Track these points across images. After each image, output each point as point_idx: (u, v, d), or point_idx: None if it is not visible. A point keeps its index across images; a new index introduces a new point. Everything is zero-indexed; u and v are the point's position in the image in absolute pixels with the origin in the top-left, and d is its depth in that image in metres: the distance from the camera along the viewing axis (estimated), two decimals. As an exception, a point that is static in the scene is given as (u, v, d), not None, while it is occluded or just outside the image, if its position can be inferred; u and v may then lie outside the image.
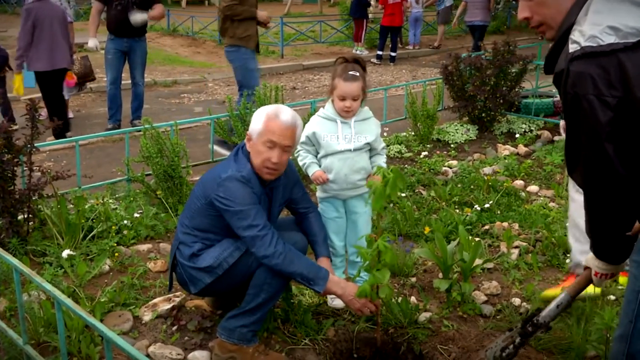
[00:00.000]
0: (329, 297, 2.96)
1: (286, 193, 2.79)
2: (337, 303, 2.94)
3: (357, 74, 2.86)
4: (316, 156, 2.99)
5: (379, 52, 13.54)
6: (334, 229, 3.05)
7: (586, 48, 1.63)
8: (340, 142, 2.90)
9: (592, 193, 1.78)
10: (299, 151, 2.97)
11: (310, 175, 2.96)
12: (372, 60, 13.24)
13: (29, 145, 3.54)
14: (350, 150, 2.91)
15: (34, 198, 3.54)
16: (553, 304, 2.27)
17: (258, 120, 2.58)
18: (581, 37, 1.65)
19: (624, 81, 1.59)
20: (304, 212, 2.90)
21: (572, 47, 1.66)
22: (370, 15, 14.90)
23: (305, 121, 3.01)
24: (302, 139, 2.90)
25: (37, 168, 3.59)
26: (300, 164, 3.01)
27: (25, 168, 3.59)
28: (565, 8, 1.78)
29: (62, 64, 6.46)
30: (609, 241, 1.89)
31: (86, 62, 7.40)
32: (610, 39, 1.61)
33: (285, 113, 2.59)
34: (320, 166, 2.97)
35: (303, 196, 2.90)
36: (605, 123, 1.62)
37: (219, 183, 2.51)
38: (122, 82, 7.12)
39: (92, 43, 7.19)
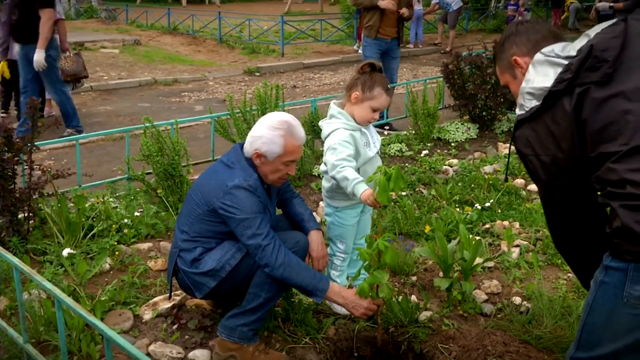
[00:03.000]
0: (332, 304, 2.95)
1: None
2: (342, 310, 2.90)
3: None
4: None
5: None
6: (351, 234, 3.00)
7: (517, 117, 1.84)
8: (372, 148, 2.85)
9: (555, 236, 1.96)
10: (343, 166, 2.64)
11: (358, 194, 2.55)
12: None
13: (29, 144, 3.53)
14: (378, 154, 2.90)
15: (34, 197, 3.54)
16: None
17: (273, 141, 2.51)
18: (517, 107, 1.86)
19: (552, 139, 1.74)
20: (289, 197, 2.92)
21: (515, 118, 1.88)
22: None
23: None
24: (342, 155, 2.66)
25: (38, 167, 3.59)
26: (351, 177, 2.60)
27: (25, 167, 3.59)
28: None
29: None
30: (576, 269, 2.04)
31: (78, 59, 7.22)
32: (531, 103, 1.78)
33: (298, 128, 2.58)
34: None
35: (288, 186, 2.93)
36: (546, 180, 1.79)
37: (226, 191, 2.48)
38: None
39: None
